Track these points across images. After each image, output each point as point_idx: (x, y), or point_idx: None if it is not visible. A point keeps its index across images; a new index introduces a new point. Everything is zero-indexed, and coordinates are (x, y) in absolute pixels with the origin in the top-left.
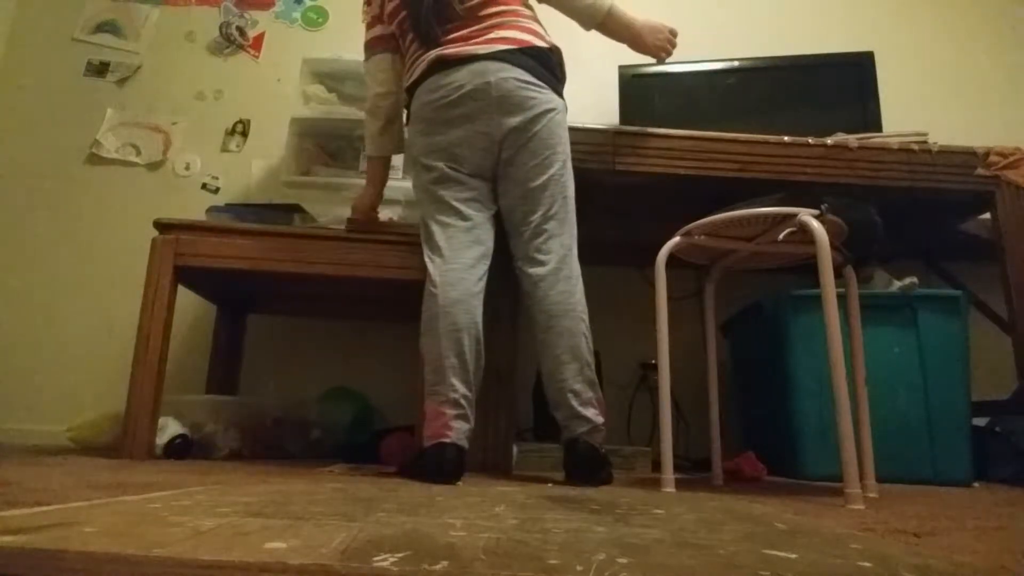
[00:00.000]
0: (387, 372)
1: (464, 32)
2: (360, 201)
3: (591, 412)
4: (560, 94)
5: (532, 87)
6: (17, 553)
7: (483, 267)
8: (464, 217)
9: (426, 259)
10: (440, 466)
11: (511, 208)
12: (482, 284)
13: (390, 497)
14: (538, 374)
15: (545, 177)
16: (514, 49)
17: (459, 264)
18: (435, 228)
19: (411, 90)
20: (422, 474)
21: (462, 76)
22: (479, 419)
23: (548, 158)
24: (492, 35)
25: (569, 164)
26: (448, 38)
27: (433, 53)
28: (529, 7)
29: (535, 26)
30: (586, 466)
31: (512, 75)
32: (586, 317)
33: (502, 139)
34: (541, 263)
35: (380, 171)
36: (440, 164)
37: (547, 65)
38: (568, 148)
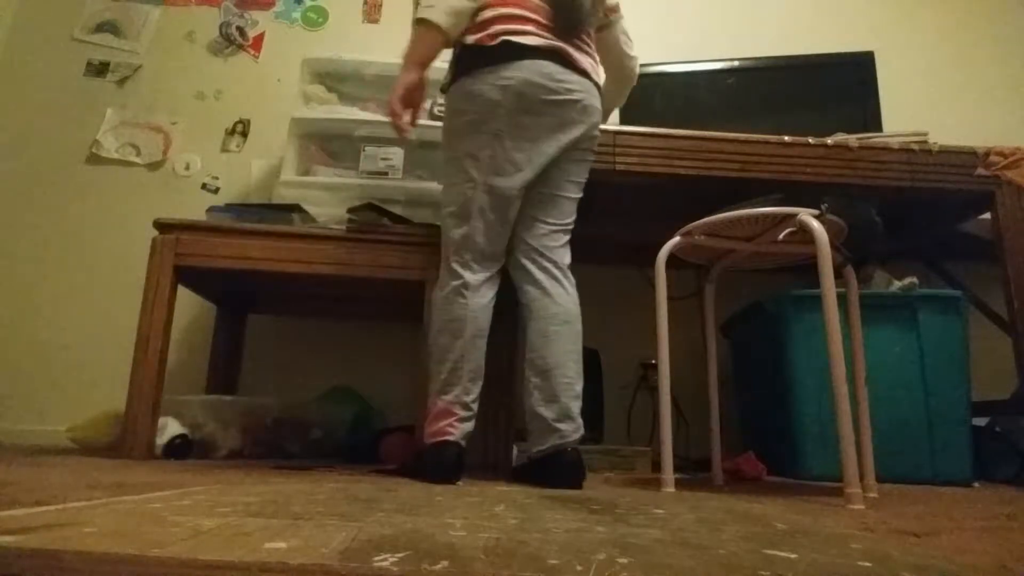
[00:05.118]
0: (387, 372)
1: (580, 45)
2: (408, 78)
3: (577, 412)
4: None
5: (599, 127)
6: (17, 553)
7: (497, 283)
8: (504, 236)
9: (460, 259)
10: (441, 465)
11: (524, 201)
12: None
13: (390, 497)
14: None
15: (577, 196)
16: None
17: (486, 274)
18: (481, 229)
19: (505, 50)
20: (423, 473)
21: (576, 83)
22: (479, 419)
23: (583, 183)
24: (594, 64)
25: None
26: (572, 40)
27: (560, 43)
28: None
29: None
30: (576, 473)
31: (599, 110)
32: None
33: (566, 147)
34: (556, 261)
35: (435, 48)
36: (525, 164)
37: None
38: None
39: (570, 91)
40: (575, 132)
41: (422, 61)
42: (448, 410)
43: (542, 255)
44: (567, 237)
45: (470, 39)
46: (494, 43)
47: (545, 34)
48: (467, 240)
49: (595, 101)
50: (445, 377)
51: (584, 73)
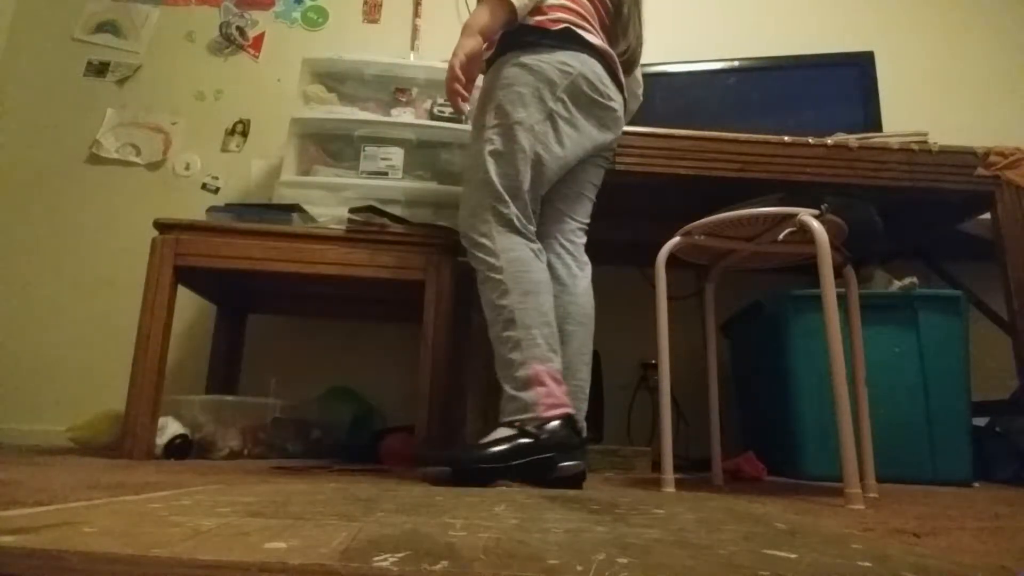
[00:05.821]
0: (387, 372)
1: (621, 52)
2: (473, 43)
3: (583, 415)
4: None
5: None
6: (17, 553)
7: None
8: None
9: (525, 228)
10: (580, 439)
11: (555, 196)
12: None
13: (390, 497)
14: None
15: (593, 199)
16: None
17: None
18: (532, 211)
19: (567, 37)
20: (561, 446)
21: (614, 93)
22: (479, 419)
23: (599, 187)
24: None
25: None
26: (617, 48)
27: (613, 50)
28: None
29: None
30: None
31: (624, 124)
32: None
33: (593, 151)
34: (577, 257)
35: (502, 26)
36: (568, 153)
37: None
38: None
39: (610, 99)
40: (608, 137)
41: (487, 31)
42: (558, 378)
43: (568, 251)
44: (585, 238)
45: (530, 20)
46: (557, 28)
47: (601, 36)
48: (525, 212)
49: (623, 115)
50: (543, 343)
51: (621, 87)
